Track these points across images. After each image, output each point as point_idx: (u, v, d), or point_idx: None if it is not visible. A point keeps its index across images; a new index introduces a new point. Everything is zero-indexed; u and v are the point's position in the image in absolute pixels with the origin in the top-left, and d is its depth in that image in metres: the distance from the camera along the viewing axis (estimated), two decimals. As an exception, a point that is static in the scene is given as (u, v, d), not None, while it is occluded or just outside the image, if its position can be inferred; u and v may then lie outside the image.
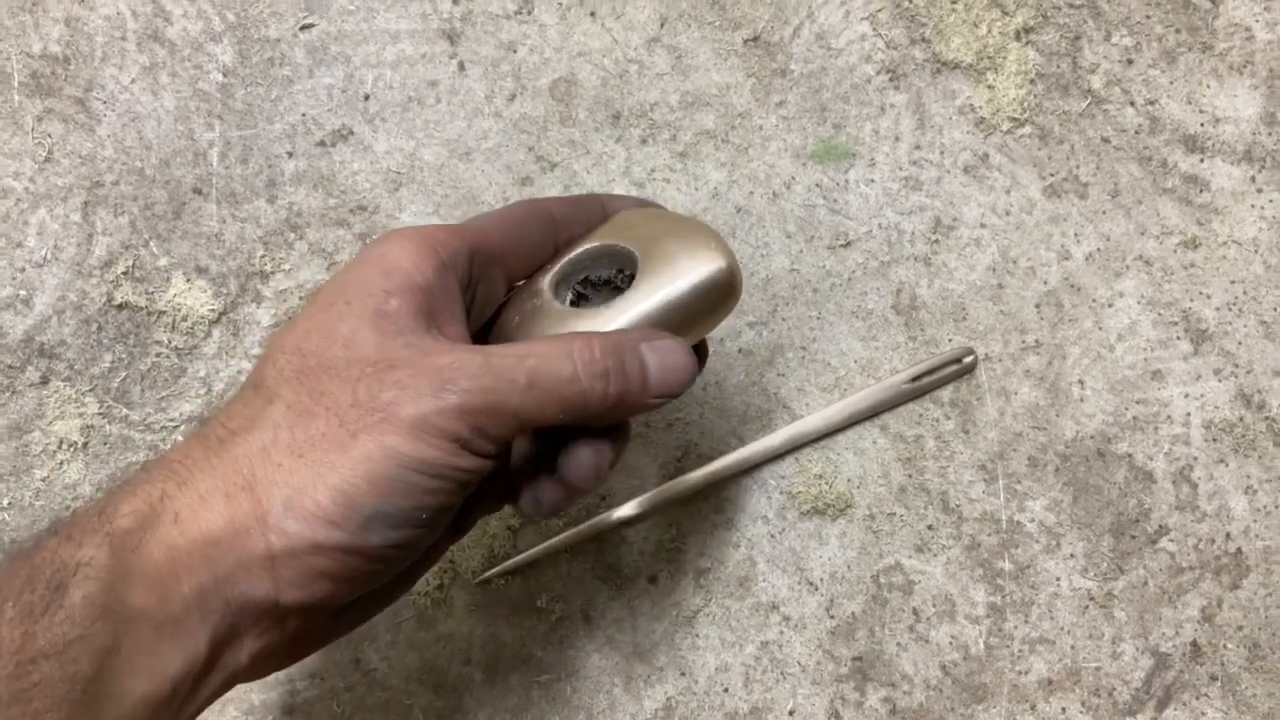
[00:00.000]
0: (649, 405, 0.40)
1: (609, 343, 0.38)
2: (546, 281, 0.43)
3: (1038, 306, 0.57)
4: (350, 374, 0.36)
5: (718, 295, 0.42)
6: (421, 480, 0.35)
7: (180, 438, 0.55)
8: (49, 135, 0.56)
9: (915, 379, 0.56)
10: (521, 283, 0.44)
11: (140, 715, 0.33)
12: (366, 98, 0.57)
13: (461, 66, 0.58)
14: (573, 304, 0.43)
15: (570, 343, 0.38)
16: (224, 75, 0.57)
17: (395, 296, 0.37)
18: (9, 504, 0.54)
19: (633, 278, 0.42)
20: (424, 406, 0.35)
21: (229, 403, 0.37)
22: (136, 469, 0.35)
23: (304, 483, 0.34)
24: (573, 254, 0.44)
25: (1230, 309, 0.57)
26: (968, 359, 0.56)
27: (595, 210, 0.45)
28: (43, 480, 0.54)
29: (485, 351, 0.37)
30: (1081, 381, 0.57)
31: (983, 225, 0.57)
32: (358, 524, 0.35)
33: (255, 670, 0.37)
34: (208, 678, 0.35)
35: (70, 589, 0.32)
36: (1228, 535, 0.56)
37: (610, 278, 0.44)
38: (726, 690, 0.55)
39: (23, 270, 0.55)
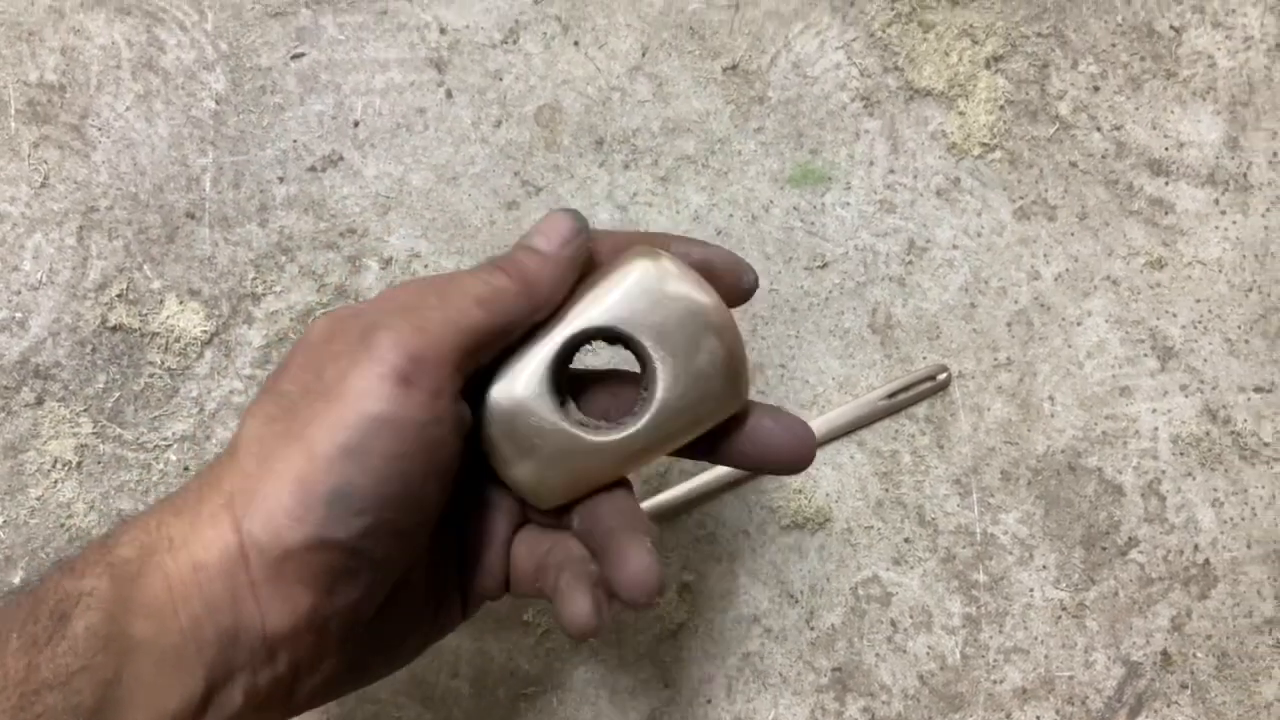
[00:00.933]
0: None
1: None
2: (535, 354, 0.39)
3: (1009, 325, 0.59)
4: (310, 385, 0.35)
5: (723, 418, 0.40)
6: (374, 444, 0.34)
7: (173, 456, 0.56)
8: (45, 161, 0.57)
9: (891, 396, 0.57)
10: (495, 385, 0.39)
11: None
12: (356, 124, 0.59)
13: (449, 94, 0.59)
14: (570, 406, 0.40)
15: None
16: (217, 103, 0.58)
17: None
18: (4, 522, 0.55)
19: (643, 371, 0.40)
20: (360, 366, 0.34)
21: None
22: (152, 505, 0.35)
23: (267, 486, 0.34)
24: (575, 328, 0.39)
25: (1195, 327, 0.59)
26: (941, 376, 0.58)
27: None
28: (37, 499, 0.55)
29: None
30: (1052, 398, 0.58)
31: (955, 246, 0.59)
32: (320, 514, 0.34)
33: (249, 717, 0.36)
34: (203, 718, 0.34)
35: (73, 619, 0.32)
36: (1196, 547, 0.58)
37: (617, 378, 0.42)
38: (709, 701, 0.56)
39: (18, 293, 0.56)
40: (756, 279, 0.42)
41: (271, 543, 0.34)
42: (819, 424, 0.57)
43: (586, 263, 0.40)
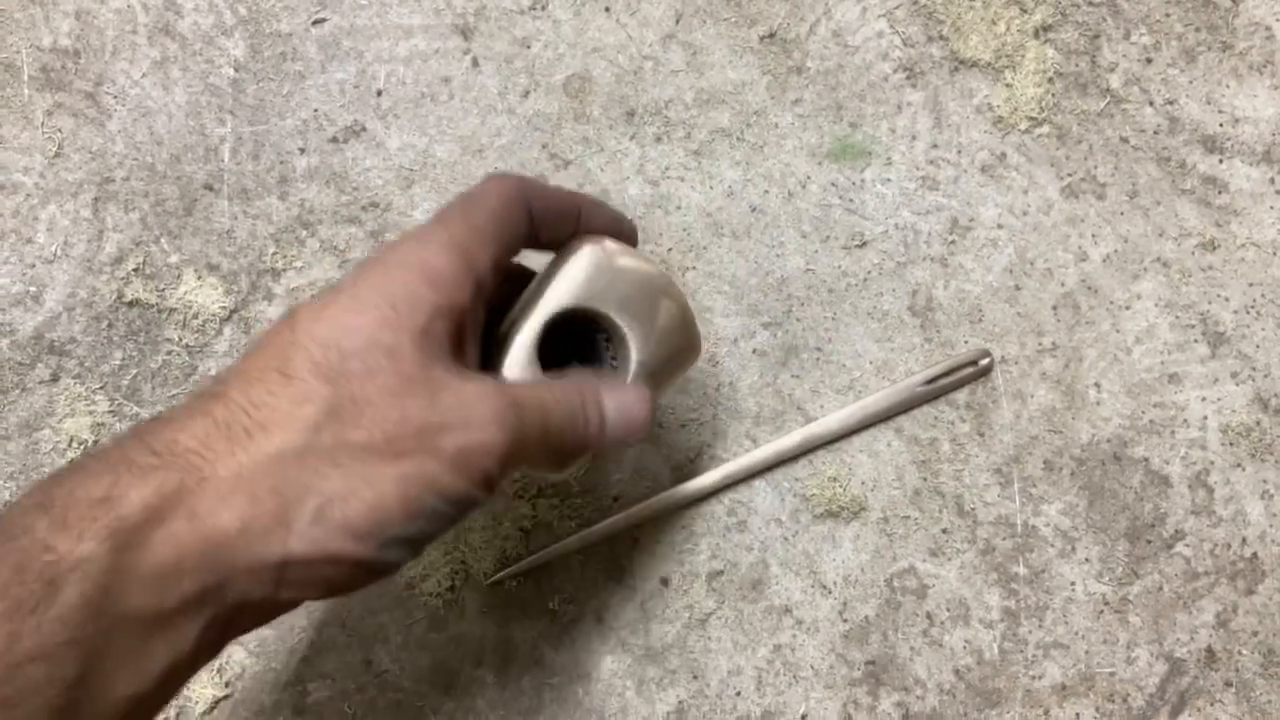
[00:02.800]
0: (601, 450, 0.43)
1: (608, 400, 0.42)
2: (521, 342, 0.42)
3: (1054, 308, 0.56)
4: (395, 389, 0.35)
5: (688, 368, 0.47)
6: (447, 510, 0.36)
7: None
8: (59, 130, 0.56)
9: (930, 381, 0.55)
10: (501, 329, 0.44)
11: (121, 712, 0.32)
12: (379, 93, 0.57)
13: (475, 62, 0.57)
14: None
15: (583, 398, 0.41)
16: (235, 70, 0.56)
17: (441, 317, 0.37)
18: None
19: (609, 342, 0.45)
20: (468, 441, 0.35)
21: (248, 384, 0.35)
22: (135, 441, 0.33)
23: (338, 493, 0.34)
24: (549, 310, 0.43)
25: (1248, 312, 0.57)
26: (984, 361, 0.56)
27: (571, 220, 0.44)
28: (53, 478, 0.54)
29: (510, 392, 0.38)
30: (1098, 384, 0.56)
31: (1000, 226, 0.57)
32: (380, 542, 0.34)
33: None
34: (189, 670, 0.34)
35: (64, 588, 0.30)
36: (1244, 540, 0.56)
37: (591, 341, 0.46)
38: (739, 694, 0.54)
39: (33, 266, 0.55)
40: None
41: (323, 545, 0.33)
42: (855, 409, 0.55)
43: (523, 221, 0.42)
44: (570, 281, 0.43)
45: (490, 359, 0.42)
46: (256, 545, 0.33)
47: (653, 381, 0.45)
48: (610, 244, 0.44)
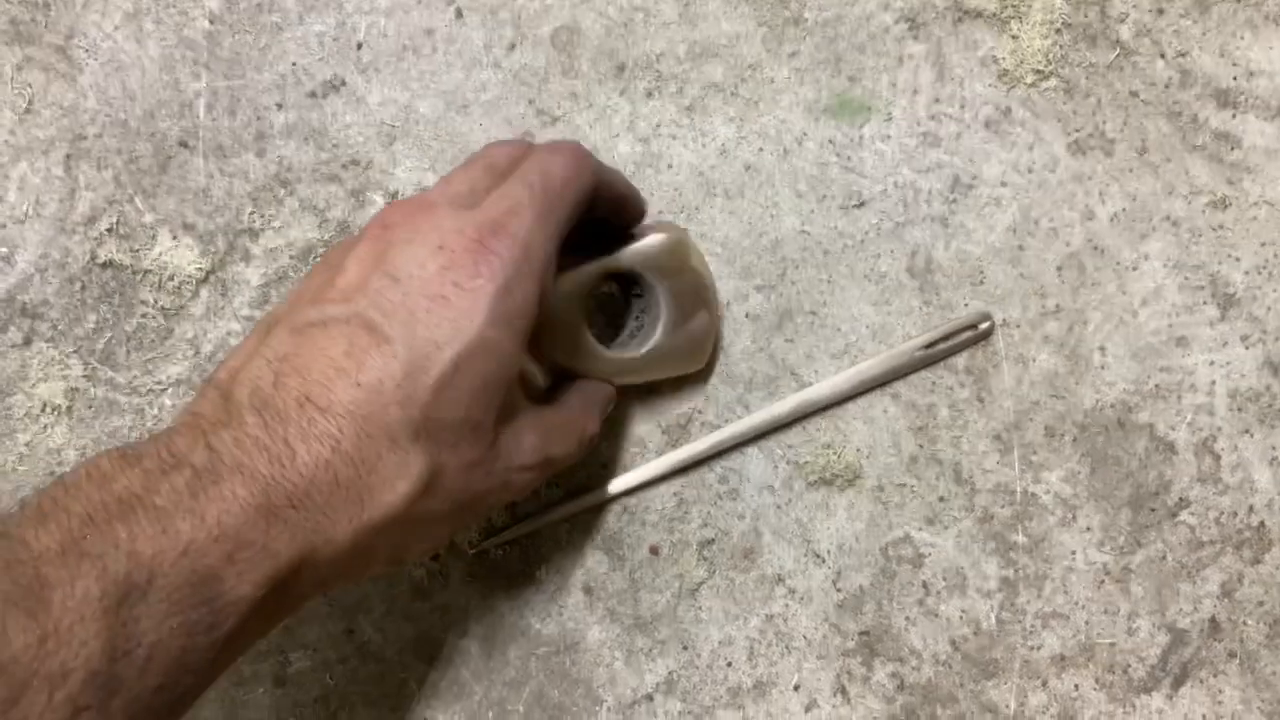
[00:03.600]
0: None
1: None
2: (576, 291, 0.48)
3: (1059, 269, 0.55)
4: (472, 462, 0.40)
5: (683, 373, 0.53)
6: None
7: (167, 401, 0.53)
8: (29, 85, 0.54)
9: (929, 345, 0.54)
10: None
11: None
12: (359, 46, 0.55)
13: (459, 14, 0.55)
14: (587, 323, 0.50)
15: (584, 425, 0.47)
16: (210, 22, 0.54)
17: (516, 382, 0.43)
18: (-8, 469, 0.53)
19: (643, 313, 0.52)
20: (505, 498, 0.44)
21: (361, 441, 0.37)
22: (276, 490, 0.36)
23: (410, 550, 0.41)
24: (608, 265, 0.49)
25: (1260, 273, 0.55)
26: (984, 325, 0.54)
27: (624, 214, 0.49)
28: (26, 445, 0.53)
29: (544, 431, 0.44)
30: (1103, 348, 0.54)
31: (1003, 184, 0.55)
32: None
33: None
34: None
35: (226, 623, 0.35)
36: (1250, 508, 0.54)
37: (630, 304, 0.53)
38: (730, 664, 0.53)
39: (3, 227, 0.53)
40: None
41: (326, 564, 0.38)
42: (850, 374, 0.53)
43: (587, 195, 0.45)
44: (646, 249, 0.49)
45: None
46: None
47: (659, 365, 0.51)
48: (695, 242, 0.51)
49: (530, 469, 0.43)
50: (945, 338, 0.54)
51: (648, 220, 0.51)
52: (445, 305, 0.38)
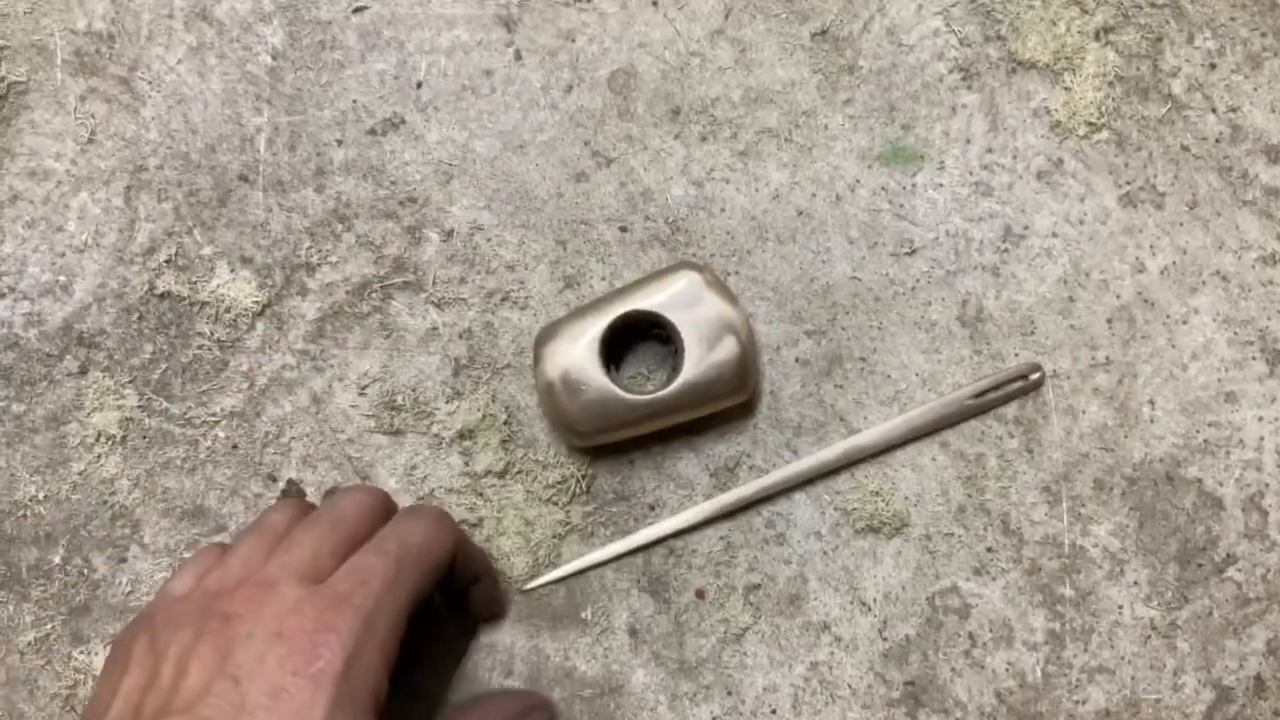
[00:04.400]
0: None
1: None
2: (591, 346, 0.51)
3: (1109, 321, 0.55)
4: None
5: (730, 403, 0.53)
6: None
7: (221, 433, 0.54)
8: (92, 116, 0.54)
9: (979, 395, 0.54)
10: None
11: None
12: (419, 85, 0.55)
13: (518, 55, 0.55)
14: (614, 371, 0.52)
15: None
16: (273, 58, 0.55)
17: None
18: (45, 497, 0.53)
19: (674, 354, 0.53)
20: None
21: None
22: None
23: None
24: (622, 312, 0.51)
25: (1310, 330, 0.55)
26: (1034, 375, 0.54)
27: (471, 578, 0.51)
28: (79, 474, 0.53)
29: None
30: (1152, 401, 0.54)
31: (1054, 234, 0.55)
32: None
33: None
34: None
35: None
36: (1298, 566, 0.54)
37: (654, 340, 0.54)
38: (774, 711, 0.53)
39: (63, 255, 0.54)
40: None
41: None
42: (899, 422, 0.53)
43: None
44: (658, 291, 0.51)
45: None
46: None
47: (693, 398, 0.51)
48: (711, 274, 0.51)
49: None
50: (995, 387, 0.54)
51: (665, 264, 0.55)
52: (285, 699, 0.37)
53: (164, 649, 0.39)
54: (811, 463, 0.53)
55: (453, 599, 0.51)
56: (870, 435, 0.54)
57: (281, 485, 0.53)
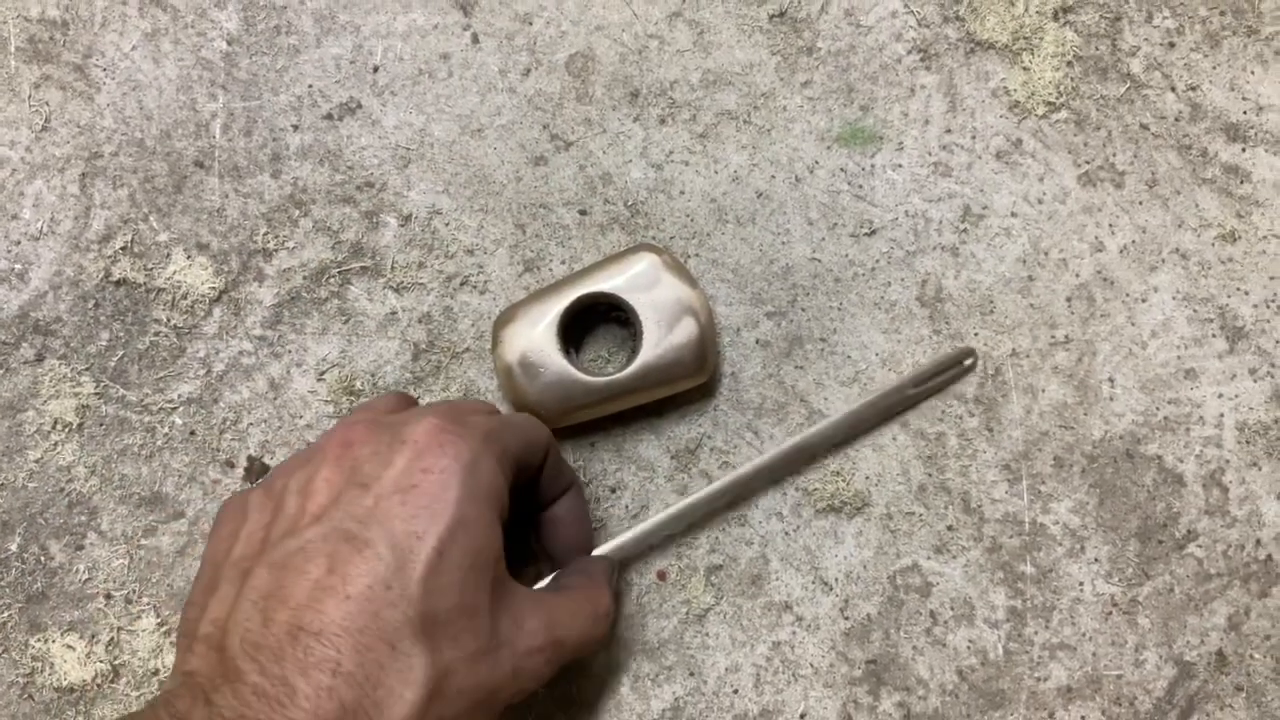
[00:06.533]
0: None
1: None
2: (549, 330, 0.51)
3: (1069, 300, 0.55)
4: (475, 654, 0.39)
5: (688, 385, 0.53)
6: None
7: (178, 420, 0.53)
8: (46, 103, 0.54)
9: (920, 383, 0.54)
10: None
11: None
12: (375, 69, 0.55)
13: (475, 39, 0.55)
14: (573, 354, 0.53)
15: (593, 601, 0.46)
16: (228, 43, 0.55)
17: (500, 560, 0.41)
18: (1, 485, 0.53)
19: (632, 336, 0.53)
20: (523, 688, 0.42)
21: (359, 653, 0.36)
22: None
23: None
24: (580, 294, 0.51)
25: (1268, 306, 0.55)
26: (968, 361, 0.54)
27: (557, 489, 0.49)
28: (36, 461, 0.53)
29: (550, 623, 0.43)
30: (1112, 379, 0.55)
31: (1014, 214, 0.55)
32: None
33: None
34: None
35: None
36: (1258, 541, 0.54)
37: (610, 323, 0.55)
38: (736, 691, 0.53)
39: (18, 243, 0.54)
40: None
41: None
42: (841, 418, 0.53)
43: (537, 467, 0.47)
44: (617, 274, 0.51)
45: None
46: None
47: (653, 380, 0.51)
48: (669, 257, 0.51)
49: (537, 652, 0.41)
50: (933, 375, 0.54)
51: (624, 246, 0.54)
52: (417, 494, 0.38)
53: (282, 490, 0.41)
54: (770, 457, 0.52)
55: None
56: (821, 427, 0.53)
57: (244, 464, 0.53)
